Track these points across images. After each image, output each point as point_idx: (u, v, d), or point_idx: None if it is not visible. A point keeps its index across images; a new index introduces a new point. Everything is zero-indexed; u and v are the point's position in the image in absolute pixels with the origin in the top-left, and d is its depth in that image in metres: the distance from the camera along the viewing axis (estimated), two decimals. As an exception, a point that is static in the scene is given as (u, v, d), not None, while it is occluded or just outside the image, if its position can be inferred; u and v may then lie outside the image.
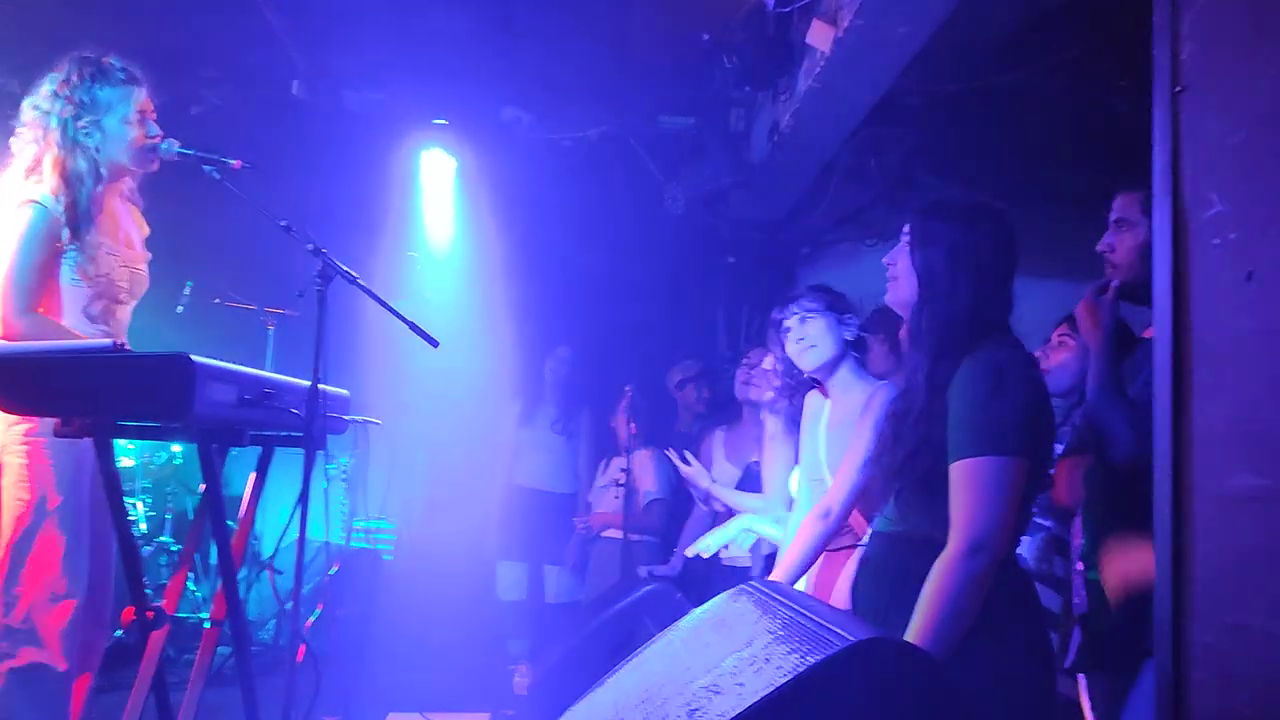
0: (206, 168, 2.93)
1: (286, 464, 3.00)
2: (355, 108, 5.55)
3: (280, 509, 3.81)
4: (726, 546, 3.65)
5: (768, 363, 3.17)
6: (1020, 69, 4.17)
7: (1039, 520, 3.09)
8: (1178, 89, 1.52)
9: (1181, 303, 1.49)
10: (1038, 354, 3.29)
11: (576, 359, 5.84)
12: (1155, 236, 1.55)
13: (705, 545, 3.45)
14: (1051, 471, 2.81)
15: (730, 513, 3.83)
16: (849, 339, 3.00)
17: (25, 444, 2.77)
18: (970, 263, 2.09)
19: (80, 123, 2.86)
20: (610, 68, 5.24)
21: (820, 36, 3.77)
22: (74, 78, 2.87)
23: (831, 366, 3.02)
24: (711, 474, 4.54)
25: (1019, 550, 3.07)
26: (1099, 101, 4.11)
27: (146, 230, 3.19)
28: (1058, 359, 3.20)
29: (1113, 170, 2.39)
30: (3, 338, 2.76)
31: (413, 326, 3.09)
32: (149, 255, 3.13)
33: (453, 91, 5.50)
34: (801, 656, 1.41)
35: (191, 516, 5.76)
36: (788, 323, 3.04)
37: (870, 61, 3.80)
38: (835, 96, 4.14)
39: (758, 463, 3.91)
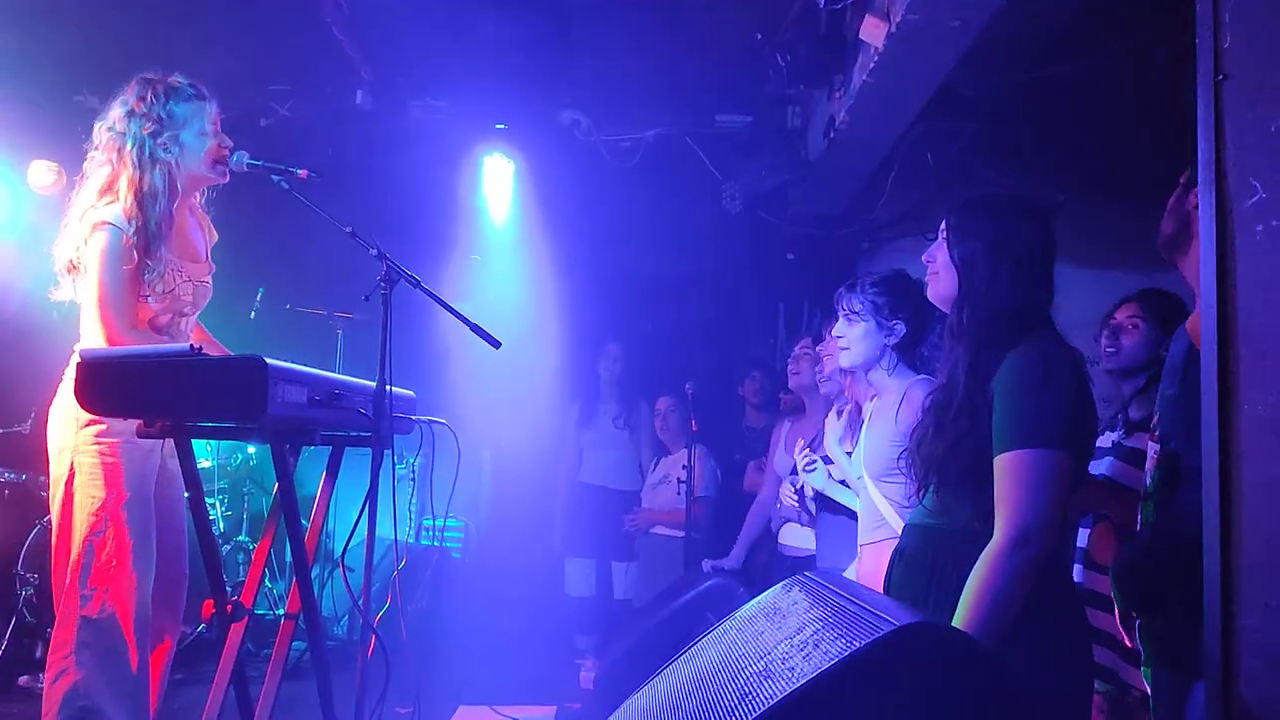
0: (275, 178, 3.03)
1: (357, 464, 3.10)
2: (418, 115, 5.68)
3: (351, 508, 3.92)
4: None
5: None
6: (1076, 59, 4.12)
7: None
8: (1220, 77, 1.52)
9: (1226, 290, 1.50)
10: (1104, 334, 3.28)
11: (628, 355, 5.91)
12: (1200, 225, 1.57)
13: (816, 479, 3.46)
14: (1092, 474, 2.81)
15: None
16: (889, 343, 2.99)
17: (97, 445, 2.89)
18: (1009, 256, 2.12)
19: (160, 139, 2.96)
20: (665, 69, 5.29)
21: (873, 32, 3.78)
22: (149, 96, 2.98)
23: (866, 368, 3.03)
24: (774, 465, 4.58)
25: (1079, 543, 3.07)
26: (1157, 89, 4.04)
27: (215, 238, 3.30)
28: (1129, 341, 3.19)
29: (1173, 158, 2.36)
30: None
31: (475, 328, 3.16)
32: (213, 266, 3.24)
33: (512, 97, 5.60)
34: (849, 641, 1.45)
35: (267, 515, 5.94)
36: (839, 319, 3.06)
37: (924, 56, 3.80)
38: (890, 91, 4.14)
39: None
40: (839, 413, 3.60)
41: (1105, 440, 3.19)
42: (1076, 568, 3.08)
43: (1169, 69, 3.88)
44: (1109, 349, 3.24)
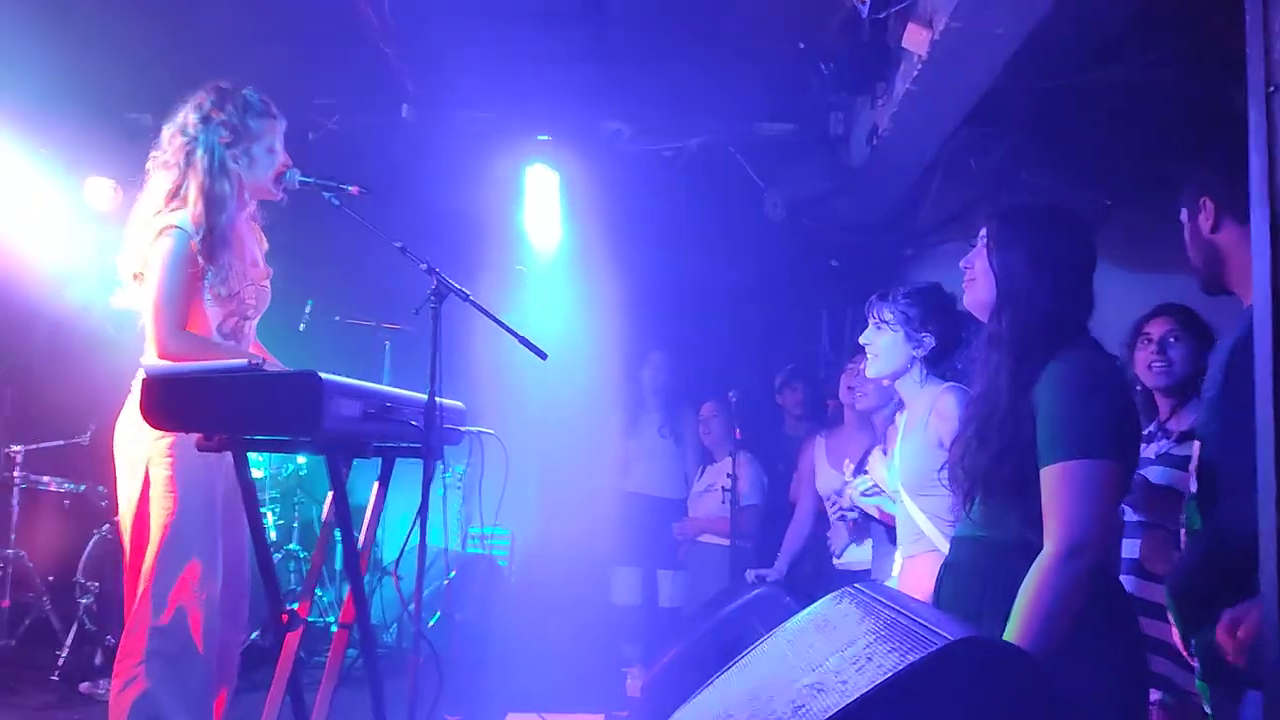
0: (326, 194, 3.10)
1: (404, 474, 3.14)
2: (462, 128, 5.74)
3: (399, 517, 3.97)
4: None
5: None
6: (1121, 64, 4.08)
7: (1142, 520, 3.05)
8: (1271, 89, 1.51)
9: (1280, 303, 1.49)
10: (1153, 351, 3.25)
11: (671, 363, 5.93)
12: (1253, 240, 1.55)
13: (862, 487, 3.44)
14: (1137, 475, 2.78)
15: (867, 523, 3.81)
16: (918, 355, 2.96)
17: (169, 456, 2.95)
18: (1050, 263, 2.12)
19: (233, 150, 3.03)
20: (708, 78, 5.31)
21: (916, 40, 3.77)
22: (227, 106, 3.03)
23: (893, 378, 3.02)
24: (816, 481, 4.57)
25: (1125, 553, 3.04)
26: (1204, 95, 4.00)
27: (266, 246, 3.35)
28: (1177, 355, 3.17)
29: (1218, 165, 2.35)
30: (159, 356, 2.95)
31: (522, 340, 3.20)
32: (270, 271, 3.31)
33: (555, 108, 5.64)
34: (902, 655, 1.46)
35: (318, 525, 6.04)
36: (869, 326, 3.06)
37: (967, 63, 3.79)
38: (933, 99, 4.13)
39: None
40: (884, 450, 3.56)
41: (1149, 450, 3.16)
42: (1128, 579, 3.05)
43: (1212, 76, 3.85)
44: (1158, 364, 3.21)
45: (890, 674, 1.41)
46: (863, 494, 3.51)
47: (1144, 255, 4.41)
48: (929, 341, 2.95)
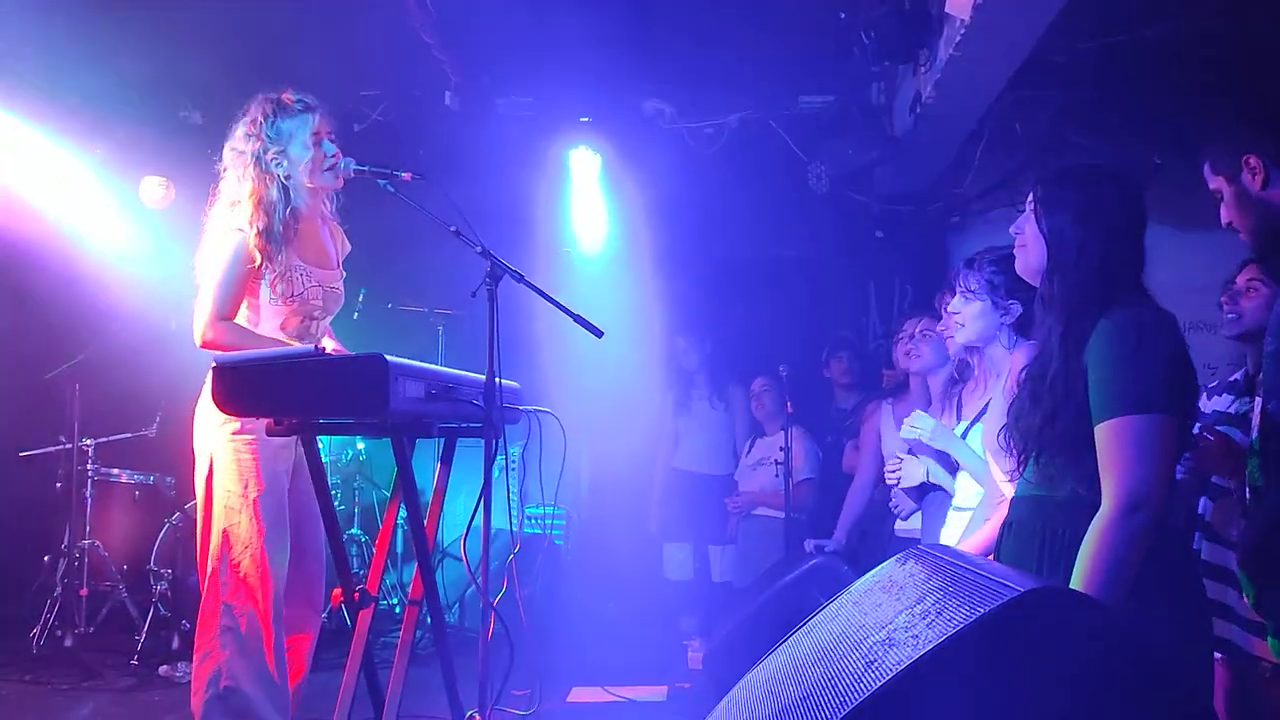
0: (380, 182, 3.18)
1: (459, 457, 3.21)
2: (504, 113, 5.79)
3: (457, 499, 4.04)
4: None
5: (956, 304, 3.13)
6: (1167, 20, 4.03)
7: (1218, 482, 3.03)
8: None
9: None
10: (1223, 298, 3.22)
11: (714, 341, 5.96)
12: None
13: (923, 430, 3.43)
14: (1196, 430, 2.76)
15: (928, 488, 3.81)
16: (1005, 322, 2.96)
17: (233, 442, 3.08)
18: (1098, 224, 2.11)
19: (269, 154, 3.17)
20: (747, 52, 5.30)
21: (960, 4, 3.75)
22: (259, 117, 3.19)
23: (982, 344, 3.03)
24: (883, 448, 4.55)
25: (1200, 512, 3.03)
26: (1255, 49, 3.93)
27: (348, 248, 3.48)
28: (1248, 304, 3.13)
29: (1257, 120, 2.32)
30: (200, 345, 3.08)
31: (577, 318, 3.25)
32: (344, 273, 3.41)
33: (595, 90, 5.67)
34: (972, 608, 1.48)
35: (378, 510, 6.16)
36: (956, 294, 3.06)
37: (1012, 25, 3.76)
38: (977, 63, 4.10)
39: None
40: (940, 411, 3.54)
41: (1227, 404, 3.14)
42: (1201, 540, 3.04)
43: (1260, 29, 3.79)
44: (1230, 314, 3.18)
45: (962, 625, 1.43)
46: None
47: (1196, 212, 4.35)
48: (1015, 308, 2.95)
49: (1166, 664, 1.52)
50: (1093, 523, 1.95)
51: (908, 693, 1.44)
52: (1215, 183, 2.28)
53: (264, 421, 2.81)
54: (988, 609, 1.43)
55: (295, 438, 2.90)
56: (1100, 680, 1.42)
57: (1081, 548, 1.94)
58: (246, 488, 3.07)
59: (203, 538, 3.12)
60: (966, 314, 3.00)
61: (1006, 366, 2.94)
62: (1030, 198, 2.24)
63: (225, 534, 3.05)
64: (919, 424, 3.34)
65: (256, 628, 3.03)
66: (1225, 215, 2.30)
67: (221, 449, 3.09)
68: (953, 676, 1.44)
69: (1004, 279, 2.94)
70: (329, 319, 3.38)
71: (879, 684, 1.48)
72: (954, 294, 3.07)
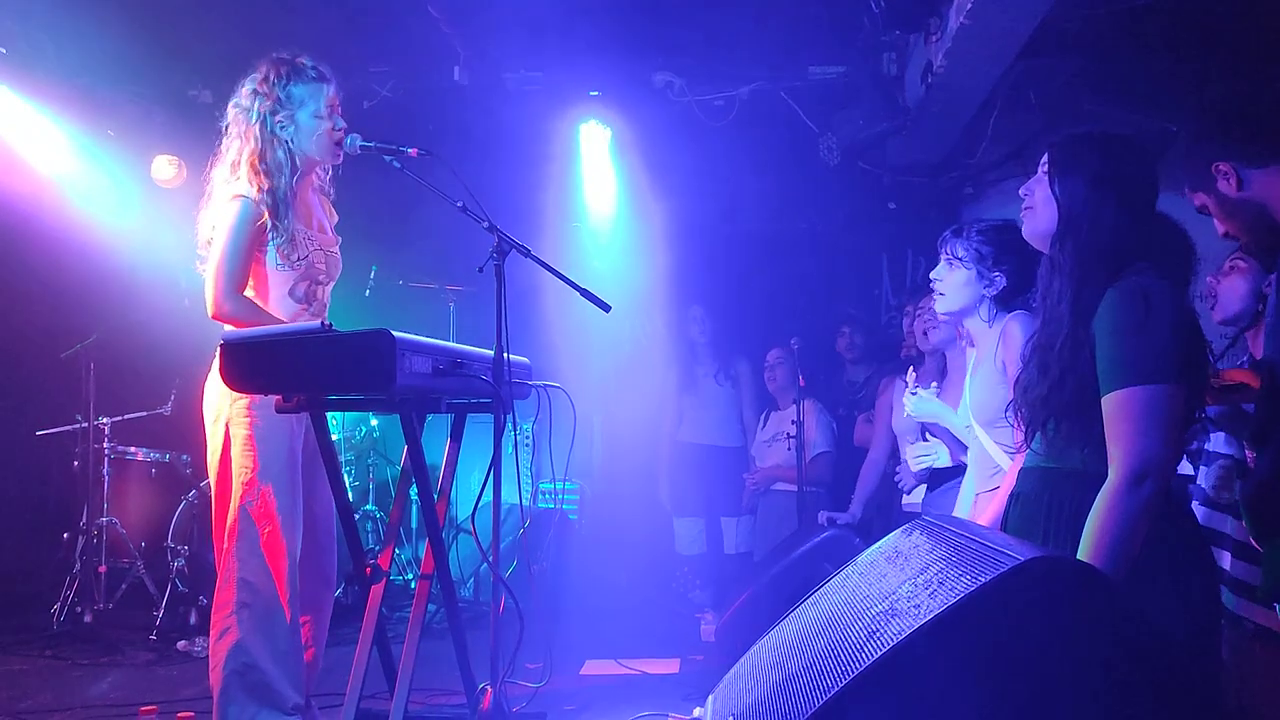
0: (387, 158, 3.18)
1: (473, 433, 3.22)
2: (513, 88, 5.76)
3: (469, 475, 4.06)
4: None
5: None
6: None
7: (1211, 449, 3.01)
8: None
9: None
10: (1209, 279, 3.19)
11: (712, 315, 5.94)
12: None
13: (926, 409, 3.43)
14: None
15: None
16: (988, 294, 2.91)
17: (248, 416, 3.08)
18: (1113, 191, 2.09)
19: (277, 117, 3.13)
20: (756, 23, 5.25)
21: (970, -29, 3.71)
22: (271, 76, 3.14)
23: (962, 315, 2.97)
24: (891, 423, 4.55)
25: (1199, 481, 3.01)
26: (1272, 10, 3.87)
27: (335, 218, 3.45)
28: (1229, 283, 3.10)
29: (1209, 126, 2.30)
30: (213, 317, 3.08)
31: (585, 293, 3.25)
32: (339, 239, 3.40)
33: (605, 63, 5.63)
34: (974, 577, 1.48)
35: (393, 485, 6.19)
36: (940, 262, 3.02)
37: (1024, -9, 3.72)
38: (989, 31, 4.05)
39: None
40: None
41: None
42: (1196, 507, 3.02)
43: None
44: (1208, 299, 3.15)
45: (963, 594, 1.43)
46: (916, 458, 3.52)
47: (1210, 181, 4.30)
48: (1000, 280, 2.90)
49: (1169, 636, 1.51)
50: (1100, 494, 1.94)
51: (908, 661, 1.45)
52: (1198, 200, 2.27)
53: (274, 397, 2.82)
54: (989, 578, 1.43)
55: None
56: (1102, 651, 1.42)
57: (1088, 519, 1.93)
58: (261, 463, 3.06)
59: (217, 514, 3.14)
60: (950, 282, 2.94)
61: (986, 340, 2.92)
62: (1044, 160, 2.22)
63: (240, 510, 3.05)
64: (908, 403, 3.34)
65: (273, 603, 3.04)
66: (1219, 227, 2.30)
67: (237, 423, 3.09)
68: (954, 645, 1.44)
69: (991, 249, 2.90)
70: (331, 285, 3.36)
71: (880, 653, 1.49)
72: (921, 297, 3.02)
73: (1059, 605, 1.43)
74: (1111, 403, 1.97)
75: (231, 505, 3.08)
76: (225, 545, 3.06)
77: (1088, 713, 1.40)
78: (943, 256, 2.98)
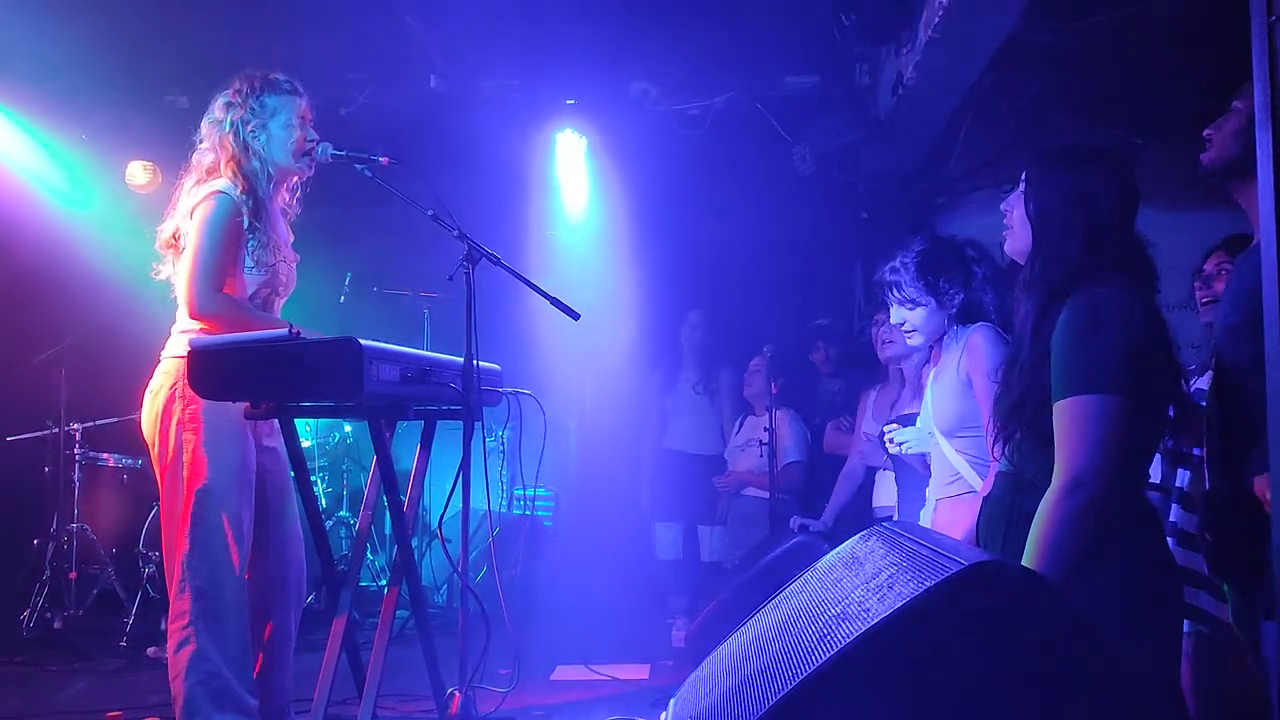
0: (359, 166, 3.20)
1: (447, 440, 3.23)
2: (490, 95, 5.78)
3: (444, 481, 4.07)
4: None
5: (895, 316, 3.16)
6: (1143, 1, 4.04)
7: (1195, 452, 3.05)
8: (1273, 18, 1.54)
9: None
10: (1196, 285, 3.23)
11: (709, 322, 5.97)
12: (1259, 168, 1.58)
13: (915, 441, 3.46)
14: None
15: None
16: (951, 313, 2.99)
17: (195, 424, 3.04)
18: (1085, 209, 2.09)
19: (249, 126, 3.16)
20: (732, 33, 5.30)
21: (937, -14, 3.76)
22: (245, 89, 3.19)
23: (937, 340, 3.06)
24: (864, 430, 4.60)
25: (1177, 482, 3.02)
26: (1237, 26, 3.93)
27: (292, 237, 3.45)
28: (1220, 288, 3.15)
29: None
30: (191, 317, 3.06)
31: (554, 301, 3.27)
32: (298, 257, 3.41)
33: (581, 71, 5.66)
34: (920, 582, 1.52)
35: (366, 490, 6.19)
36: (892, 306, 3.06)
37: (990, 6, 3.77)
38: (957, 44, 4.12)
39: (910, 415, 3.92)
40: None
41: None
42: (1174, 508, 3.07)
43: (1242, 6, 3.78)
44: (1205, 298, 3.20)
45: (907, 599, 1.47)
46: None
47: (1177, 193, 4.37)
48: (955, 294, 2.98)
49: (1112, 641, 1.55)
50: (1042, 500, 1.99)
51: (855, 664, 1.47)
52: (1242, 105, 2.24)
53: (228, 403, 2.82)
54: (932, 583, 1.46)
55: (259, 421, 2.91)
56: (1037, 653, 1.45)
57: (1032, 524, 1.98)
58: (211, 471, 3.02)
59: (165, 520, 3.10)
60: (915, 320, 3.02)
61: (949, 351, 2.98)
62: (1024, 178, 2.23)
63: (190, 517, 3.00)
64: (898, 437, 3.38)
65: (225, 609, 3.00)
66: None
67: (186, 429, 3.04)
68: (899, 648, 1.47)
69: (933, 275, 2.98)
70: (284, 300, 3.35)
71: (828, 655, 1.52)
72: (887, 308, 3.08)
73: (999, 610, 1.47)
74: (1056, 412, 2.00)
75: (181, 512, 3.02)
76: (176, 553, 3.01)
77: (1022, 715, 1.44)
78: (894, 303, 3.04)
